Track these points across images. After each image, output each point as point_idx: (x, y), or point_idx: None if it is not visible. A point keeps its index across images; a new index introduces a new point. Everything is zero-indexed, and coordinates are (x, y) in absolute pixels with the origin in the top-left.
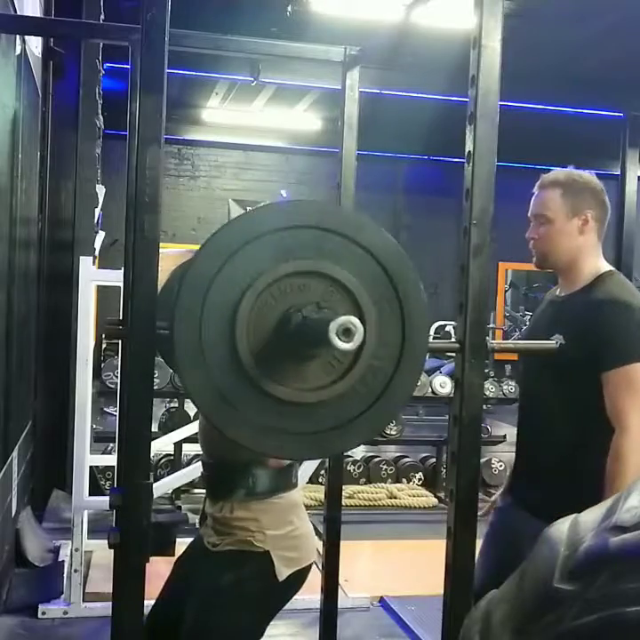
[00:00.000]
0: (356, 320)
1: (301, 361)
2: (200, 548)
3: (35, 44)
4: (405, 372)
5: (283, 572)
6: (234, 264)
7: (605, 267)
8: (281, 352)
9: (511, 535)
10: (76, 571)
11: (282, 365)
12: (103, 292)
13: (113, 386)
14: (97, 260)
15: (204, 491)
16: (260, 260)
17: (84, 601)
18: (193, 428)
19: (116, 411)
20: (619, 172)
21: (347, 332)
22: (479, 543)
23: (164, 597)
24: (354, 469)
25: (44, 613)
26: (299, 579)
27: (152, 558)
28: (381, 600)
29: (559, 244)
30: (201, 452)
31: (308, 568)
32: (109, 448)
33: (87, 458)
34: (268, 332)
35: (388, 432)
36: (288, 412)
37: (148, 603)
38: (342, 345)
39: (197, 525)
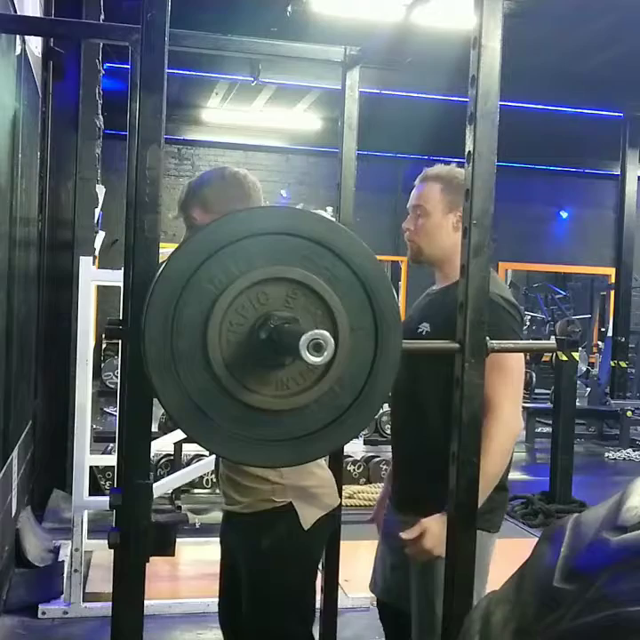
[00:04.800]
0: (326, 334)
1: (274, 369)
2: (226, 517)
3: (35, 44)
4: (378, 379)
5: (308, 520)
6: (206, 270)
7: None
8: (253, 360)
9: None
10: (76, 571)
11: (254, 373)
12: (103, 292)
13: (113, 386)
14: (97, 260)
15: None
16: (233, 266)
17: (83, 601)
18: None
19: (115, 411)
20: (619, 172)
21: (317, 347)
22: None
23: (222, 581)
24: (354, 469)
25: (43, 613)
26: (327, 524)
27: (152, 558)
28: None
29: (434, 238)
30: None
31: (333, 513)
32: (109, 448)
33: (87, 458)
34: (240, 340)
35: (389, 432)
36: (260, 420)
37: (148, 603)
38: (312, 359)
39: (197, 522)
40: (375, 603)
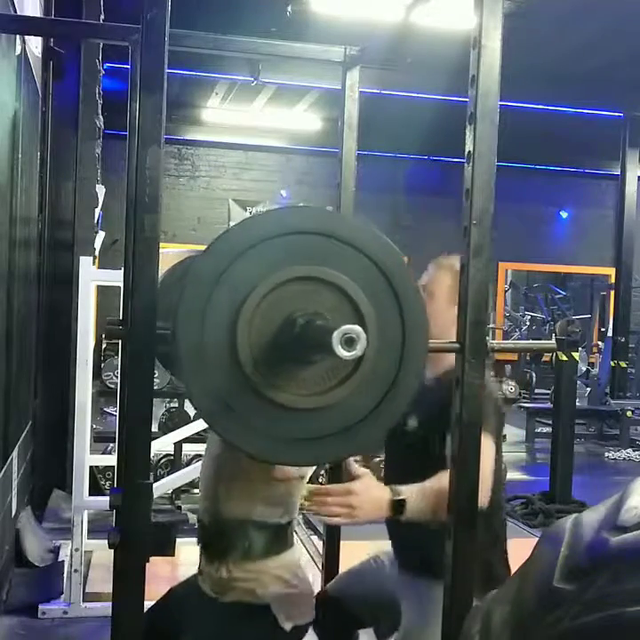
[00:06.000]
0: (358, 329)
1: (303, 366)
2: (197, 592)
3: (35, 44)
4: (407, 374)
5: (286, 625)
6: (236, 269)
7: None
8: (282, 358)
9: None
10: (75, 571)
11: (283, 371)
12: (103, 292)
13: (113, 386)
14: (97, 260)
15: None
16: (262, 265)
17: (83, 601)
18: (193, 428)
19: (116, 411)
20: (619, 172)
21: (349, 341)
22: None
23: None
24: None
25: (44, 613)
26: (298, 634)
27: (152, 558)
28: None
29: (435, 324)
30: (201, 462)
31: (307, 626)
32: (109, 448)
33: (87, 458)
34: (269, 338)
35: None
36: (290, 418)
37: (149, 603)
38: (345, 354)
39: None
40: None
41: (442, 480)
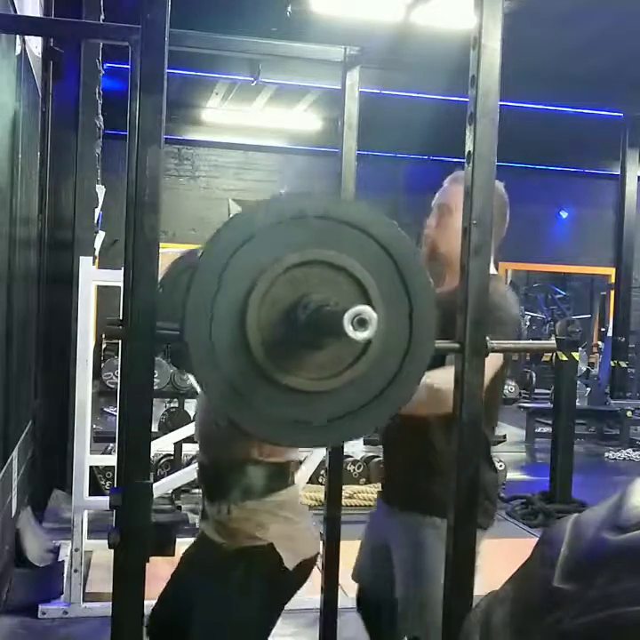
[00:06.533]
0: (370, 310)
1: (312, 350)
2: (204, 544)
3: (35, 44)
4: (415, 357)
5: (290, 562)
6: (243, 255)
7: (491, 271)
8: (292, 342)
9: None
10: (76, 571)
11: (293, 355)
12: (103, 292)
13: (113, 386)
14: (97, 260)
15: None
16: (269, 251)
17: (83, 601)
18: (193, 429)
19: (116, 411)
20: (619, 172)
21: (361, 322)
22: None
23: (168, 594)
24: (354, 469)
25: (44, 613)
26: (304, 571)
27: (152, 558)
28: None
29: (452, 237)
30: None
31: (312, 560)
32: (109, 448)
33: (87, 458)
34: (278, 323)
35: None
36: (300, 402)
37: (148, 603)
38: (357, 335)
39: (197, 524)
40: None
41: (442, 376)
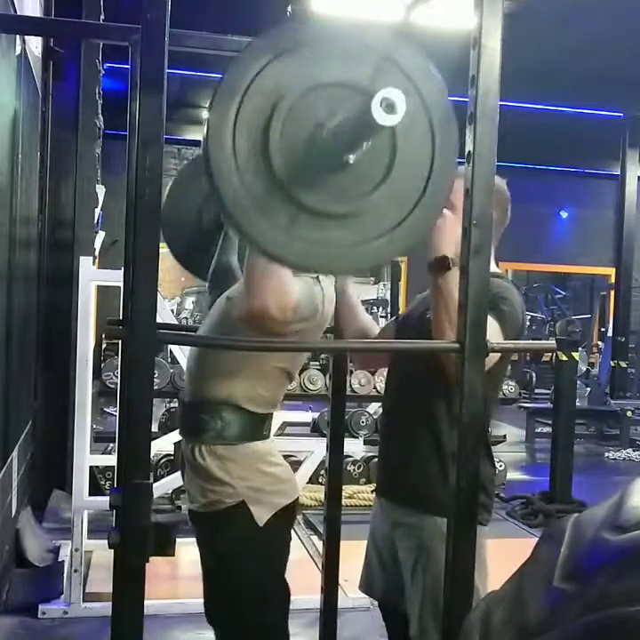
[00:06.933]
0: (399, 92)
1: (336, 170)
2: (190, 516)
3: (35, 44)
4: (437, 183)
5: (263, 518)
6: (265, 75)
7: (493, 269)
8: (315, 160)
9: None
10: (76, 571)
11: (315, 174)
12: (103, 292)
13: (113, 386)
14: (97, 260)
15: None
16: (298, 69)
17: (84, 601)
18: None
19: (116, 411)
20: (619, 172)
21: (390, 107)
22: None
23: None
24: (354, 469)
25: (44, 613)
26: (283, 520)
27: (152, 558)
28: None
29: (454, 232)
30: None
31: (291, 505)
32: (109, 448)
33: (87, 458)
34: (301, 140)
35: None
36: (322, 223)
37: (148, 603)
38: (386, 120)
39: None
40: (377, 603)
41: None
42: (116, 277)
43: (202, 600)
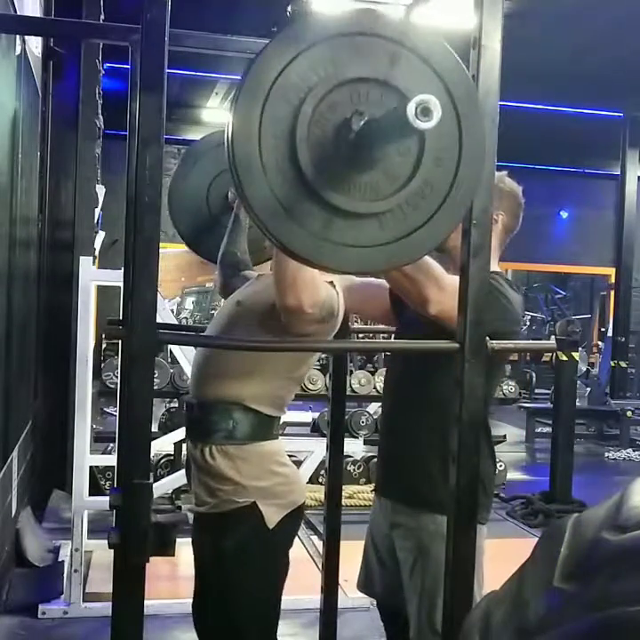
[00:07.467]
0: (434, 98)
1: (363, 170)
2: (195, 518)
3: (35, 44)
4: (464, 181)
5: (273, 519)
6: (291, 72)
7: (494, 268)
8: (342, 160)
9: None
10: (75, 571)
11: (342, 174)
12: (103, 292)
13: (113, 386)
14: (97, 260)
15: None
16: (319, 67)
17: (83, 601)
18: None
19: (116, 411)
20: (619, 172)
21: (425, 111)
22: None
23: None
24: (354, 469)
25: (44, 613)
26: (292, 522)
27: (152, 558)
28: None
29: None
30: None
31: (299, 508)
32: (109, 448)
33: (87, 458)
34: (329, 140)
35: None
36: (347, 224)
37: (148, 603)
38: (422, 124)
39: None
40: (375, 603)
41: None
42: (115, 277)
43: None
